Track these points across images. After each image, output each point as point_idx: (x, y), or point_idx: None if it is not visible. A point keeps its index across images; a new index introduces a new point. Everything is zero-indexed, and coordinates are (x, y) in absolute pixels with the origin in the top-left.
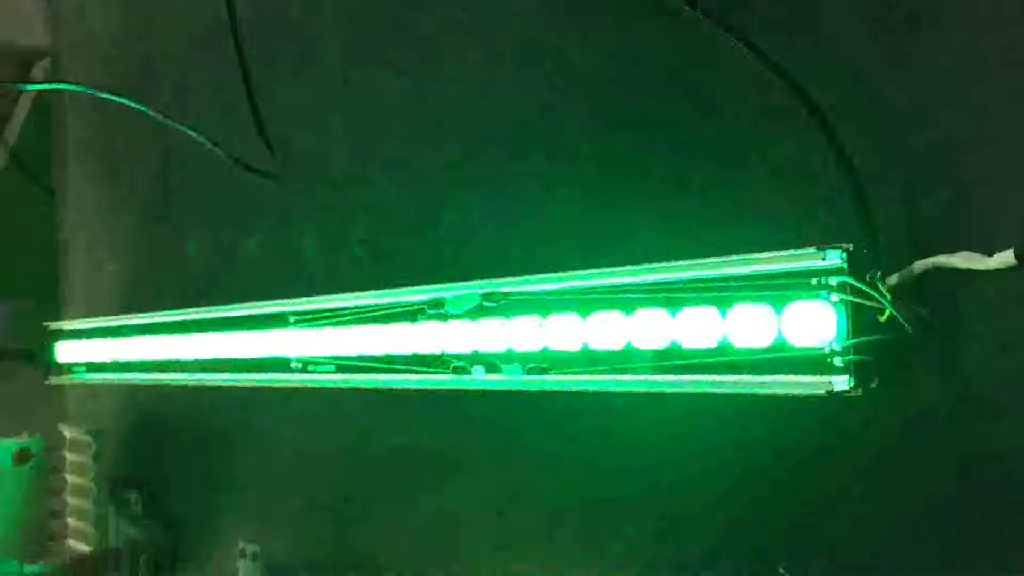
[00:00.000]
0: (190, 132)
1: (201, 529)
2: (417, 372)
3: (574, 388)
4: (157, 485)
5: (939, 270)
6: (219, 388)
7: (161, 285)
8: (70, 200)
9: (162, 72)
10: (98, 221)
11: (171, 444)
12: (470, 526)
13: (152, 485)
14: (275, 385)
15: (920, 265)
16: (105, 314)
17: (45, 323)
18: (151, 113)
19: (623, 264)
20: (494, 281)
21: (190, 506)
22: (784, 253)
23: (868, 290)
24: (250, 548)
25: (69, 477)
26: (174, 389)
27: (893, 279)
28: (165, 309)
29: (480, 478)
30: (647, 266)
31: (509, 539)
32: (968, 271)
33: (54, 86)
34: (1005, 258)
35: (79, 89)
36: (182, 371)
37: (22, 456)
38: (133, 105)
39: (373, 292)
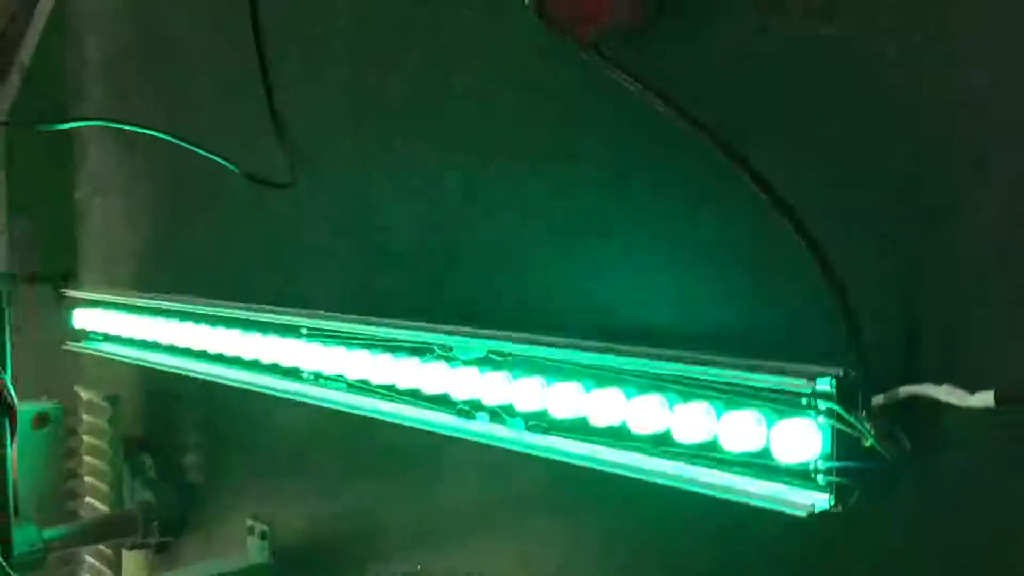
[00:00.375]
0: (200, 152)
1: (211, 498)
2: (422, 407)
3: (569, 459)
4: (171, 450)
5: (924, 398)
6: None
7: (174, 259)
8: (89, 158)
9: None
10: (115, 185)
11: (186, 412)
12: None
13: (166, 450)
14: (285, 395)
15: (905, 391)
16: (119, 273)
17: (61, 289)
18: (165, 137)
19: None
20: (500, 338)
21: (202, 474)
22: (778, 379)
23: (854, 422)
24: (259, 527)
25: (86, 438)
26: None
27: (879, 400)
28: (177, 287)
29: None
30: (654, 361)
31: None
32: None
33: (71, 124)
34: (984, 399)
35: (96, 124)
36: (195, 359)
37: (41, 419)
38: (154, 134)
39: (384, 323)
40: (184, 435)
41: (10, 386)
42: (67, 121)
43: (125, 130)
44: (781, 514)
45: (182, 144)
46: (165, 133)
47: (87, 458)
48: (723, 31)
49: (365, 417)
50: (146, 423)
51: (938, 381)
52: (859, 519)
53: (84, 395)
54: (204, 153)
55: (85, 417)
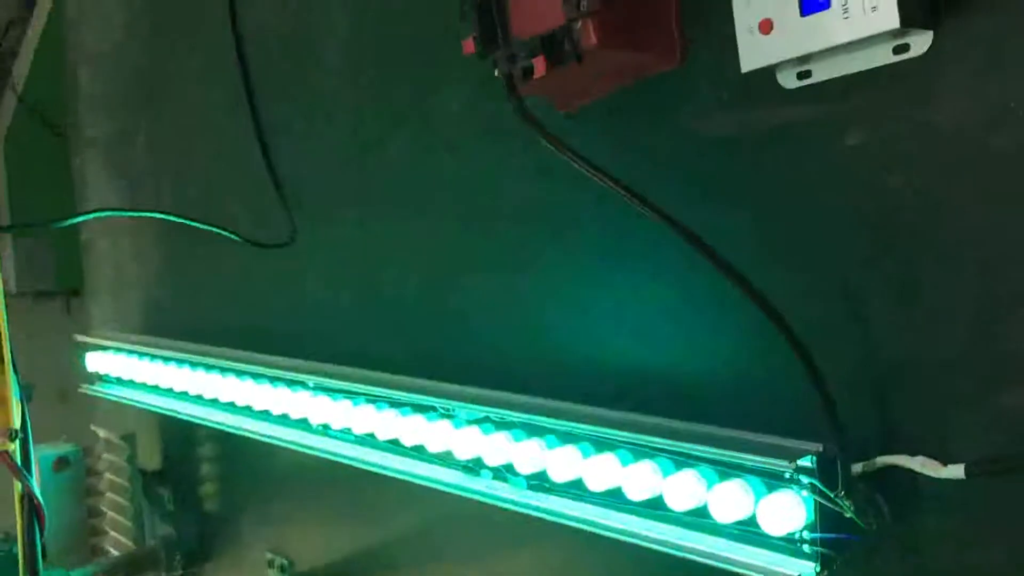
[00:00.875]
0: (201, 226)
1: (231, 528)
2: (428, 462)
3: (567, 521)
4: (189, 483)
5: (900, 468)
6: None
7: (180, 300)
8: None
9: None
10: (118, 226)
11: (202, 446)
12: None
13: (184, 483)
14: (294, 447)
15: (882, 460)
16: (127, 314)
17: (74, 336)
18: (164, 216)
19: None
20: (501, 403)
21: (220, 504)
22: (762, 458)
23: (834, 497)
24: (278, 560)
25: (106, 475)
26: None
27: (858, 468)
28: (186, 332)
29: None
30: (645, 436)
31: None
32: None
33: (77, 220)
34: (955, 471)
35: (105, 215)
36: (207, 406)
37: (61, 463)
38: (154, 216)
39: (388, 382)
40: (201, 467)
41: (36, 489)
42: (71, 216)
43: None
44: None
45: (184, 222)
46: (166, 213)
47: (108, 495)
48: None
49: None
50: (163, 457)
51: (914, 446)
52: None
53: (101, 434)
54: (205, 227)
55: (104, 456)
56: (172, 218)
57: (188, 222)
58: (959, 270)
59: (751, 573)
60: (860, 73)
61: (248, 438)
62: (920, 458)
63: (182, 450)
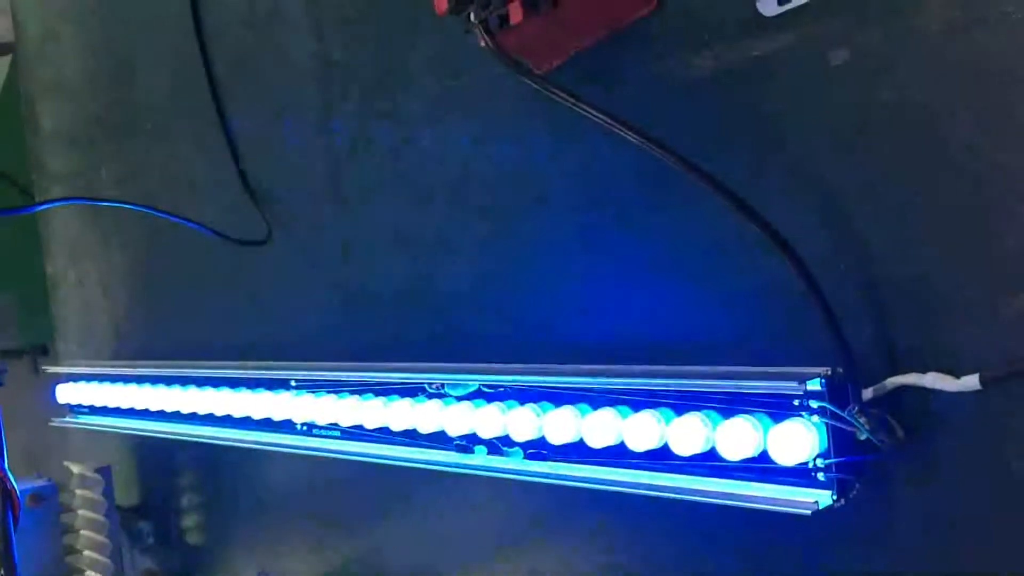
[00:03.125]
0: (173, 219)
1: (216, 558)
2: (420, 446)
3: (569, 481)
4: (169, 515)
5: (911, 388)
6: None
7: (150, 324)
8: (54, 235)
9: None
10: (86, 253)
11: (180, 475)
12: None
13: (164, 515)
14: (280, 448)
15: (892, 382)
16: (98, 347)
17: (43, 367)
18: (141, 208)
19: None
20: (493, 370)
21: (203, 534)
22: (769, 383)
23: (847, 417)
24: None
25: (81, 512)
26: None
27: (868, 393)
28: (157, 353)
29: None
30: (642, 379)
31: None
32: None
33: (42, 207)
34: (970, 382)
35: (72, 203)
36: (184, 422)
37: (35, 499)
38: (125, 206)
39: (372, 367)
40: (181, 498)
41: (9, 472)
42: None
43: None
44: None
45: (156, 213)
46: (137, 204)
47: (84, 532)
48: None
49: (366, 462)
50: (141, 490)
51: (923, 365)
52: (861, 509)
53: (75, 469)
54: (178, 220)
55: (78, 492)
56: (144, 208)
57: (160, 213)
58: (957, 177)
59: (766, 507)
60: None
61: (230, 462)
62: (932, 374)
63: (161, 481)
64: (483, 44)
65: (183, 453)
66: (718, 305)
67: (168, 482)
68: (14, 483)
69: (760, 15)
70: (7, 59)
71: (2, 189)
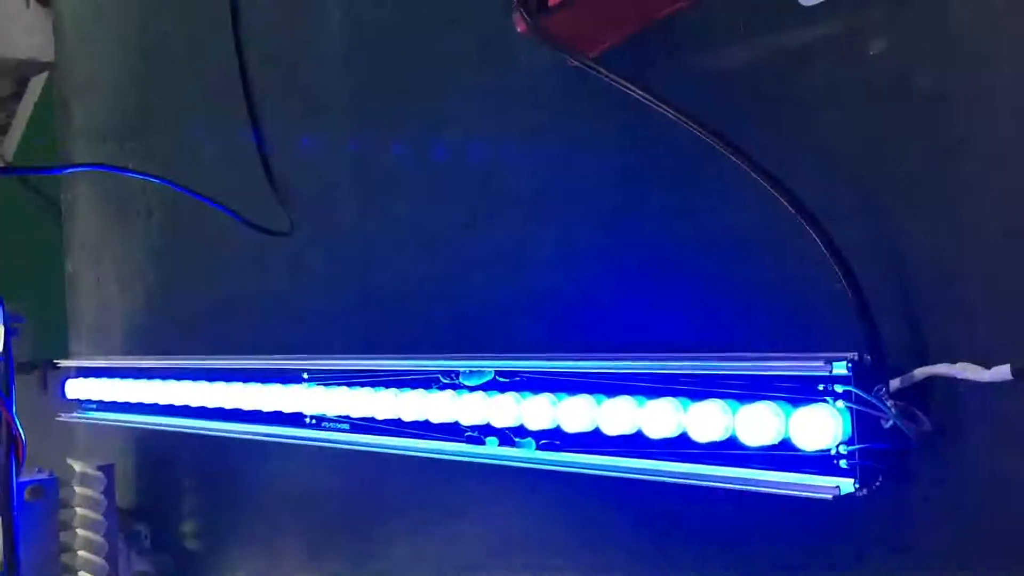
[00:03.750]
0: (195, 196)
1: (213, 564)
2: (431, 438)
3: (584, 469)
4: (167, 519)
5: (940, 378)
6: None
7: (167, 323)
8: (76, 233)
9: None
10: (106, 252)
11: (183, 478)
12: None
13: (163, 518)
14: (287, 440)
15: (921, 372)
16: (112, 350)
17: (55, 360)
18: (165, 182)
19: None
20: (509, 358)
21: (201, 540)
22: (792, 363)
23: (873, 401)
24: None
25: (79, 511)
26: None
27: (896, 383)
28: (173, 352)
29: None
30: (661, 363)
31: None
32: (968, 381)
33: (71, 169)
34: (1001, 373)
35: (100, 169)
36: (193, 416)
37: (35, 491)
38: (147, 178)
39: (388, 357)
40: (181, 501)
41: (16, 419)
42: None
43: (117, 197)
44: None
45: (179, 189)
46: (164, 179)
47: (80, 531)
48: None
49: (371, 468)
50: (141, 492)
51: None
52: (884, 502)
53: (77, 467)
54: (206, 201)
55: (78, 489)
56: (168, 183)
57: (185, 190)
58: (994, 168)
59: (785, 491)
60: None
61: (233, 467)
62: (961, 364)
63: (162, 484)
64: (521, 27)
65: (186, 456)
66: (745, 300)
67: (169, 485)
68: (20, 429)
69: (799, 5)
70: (42, 77)
71: (30, 198)
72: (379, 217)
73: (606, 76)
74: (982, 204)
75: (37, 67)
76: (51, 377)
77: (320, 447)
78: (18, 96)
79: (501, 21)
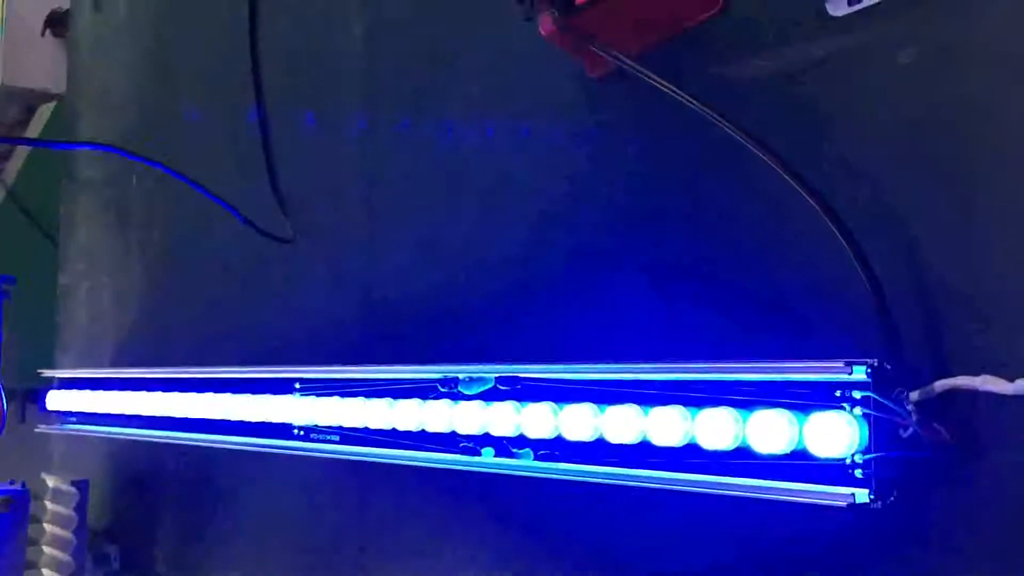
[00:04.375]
0: (205, 193)
1: None
2: (424, 449)
3: (586, 477)
4: (140, 541)
5: (961, 391)
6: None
7: (163, 339)
8: (74, 244)
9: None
10: (102, 267)
11: (158, 499)
12: None
13: (134, 540)
14: (275, 451)
15: (941, 385)
16: (100, 364)
17: (39, 370)
18: (170, 171)
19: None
20: (510, 366)
21: (171, 565)
22: (810, 364)
23: (893, 407)
24: None
25: (48, 527)
26: (163, 445)
27: (915, 395)
28: (164, 365)
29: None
30: (668, 365)
31: None
32: (990, 394)
33: (75, 146)
34: None
35: (104, 149)
36: (177, 428)
37: (4, 503)
38: (156, 166)
39: (384, 367)
40: (156, 523)
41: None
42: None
43: (120, 204)
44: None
45: (184, 180)
46: (169, 168)
47: (47, 549)
48: None
49: (359, 485)
50: (114, 512)
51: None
52: (901, 516)
53: (50, 482)
54: (210, 196)
55: (49, 505)
56: (175, 174)
57: (191, 183)
58: (1018, 178)
59: (797, 499)
60: None
61: (211, 492)
62: (983, 376)
63: (139, 503)
64: (547, 27)
65: (165, 475)
66: (760, 309)
67: (145, 505)
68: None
69: (827, 15)
70: (49, 105)
71: (30, 231)
72: (385, 227)
73: (645, 75)
74: (1007, 215)
75: (46, 97)
76: (30, 411)
77: (308, 464)
78: (25, 123)
79: (519, 32)
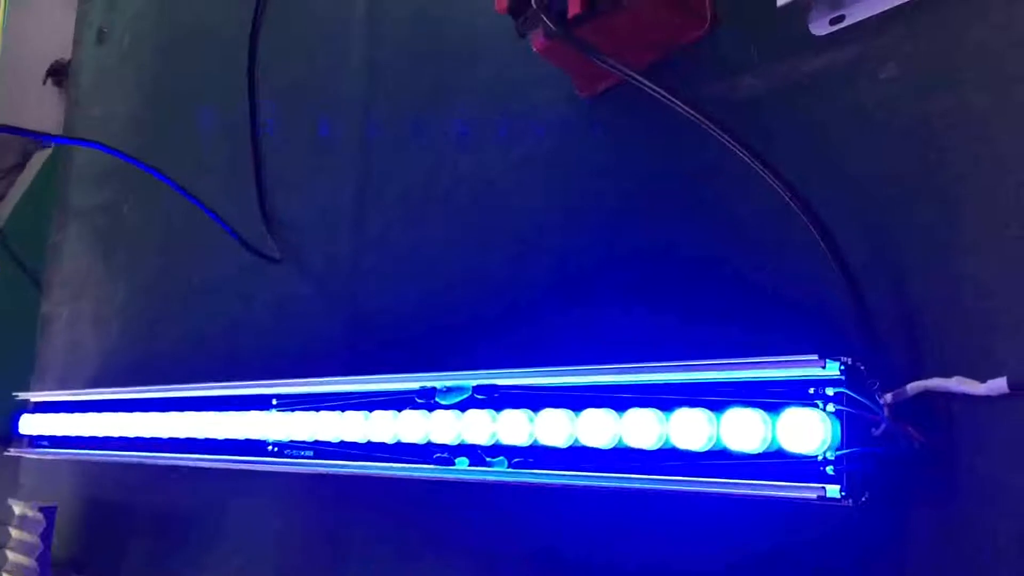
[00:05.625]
0: (201, 206)
1: None
2: (397, 461)
3: (559, 480)
4: (105, 570)
5: (934, 392)
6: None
7: (141, 365)
8: (59, 273)
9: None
10: (86, 295)
11: (127, 528)
12: None
13: (100, 570)
14: (249, 468)
15: (914, 387)
16: (78, 384)
17: (14, 393)
18: (165, 179)
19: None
20: (485, 372)
21: None
22: (784, 359)
23: (867, 402)
24: None
25: (11, 555)
26: (135, 469)
27: (888, 398)
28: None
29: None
30: (642, 365)
31: None
32: (963, 395)
33: (67, 141)
34: (997, 386)
35: (101, 148)
36: (151, 450)
37: None
38: (153, 173)
39: (362, 377)
40: (122, 556)
41: None
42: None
43: (106, 236)
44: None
45: (175, 187)
46: (159, 172)
47: None
48: None
49: (334, 506)
50: (82, 541)
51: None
52: (872, 520)
53: (17, 508)
54: (207, 211)
55: (14, 532)
56: (163, 179)
57: (181, 190)
58: (999, 185)
59: (771, 492)
60: (891, 9)
61: (181, 521)
62: (956, 378)
63: (107, 532)
64: (539, 44)
65: (136, 503)
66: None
67: (113, 534)
68: None
69: (811, 35)
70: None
71: (17, 279)
72: (373, 246)
73: (647, 86)
74: (984, 219)
75: (43, 144)
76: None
77: (282, 484)
78: (20, 167)
79: (510, 58)
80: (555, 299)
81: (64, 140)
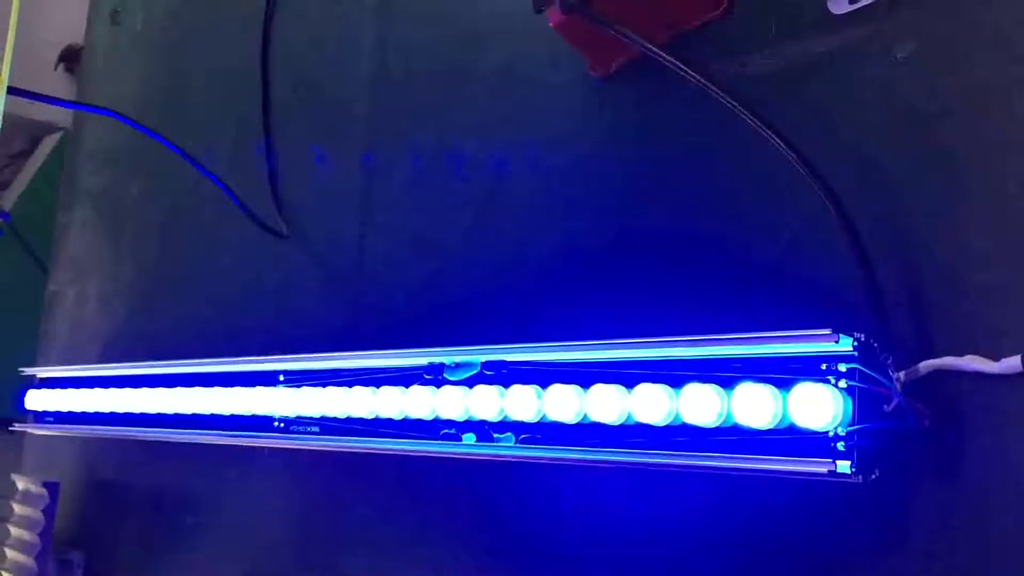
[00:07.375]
0: (211, 177)
1: None
2: (406, 437)
3: (567, 455)
4: (105, 547)
5: (946, 371)
6: (182, 447)
7: (147, 340)
8: (66, 252)
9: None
10: (93, 273)
11: (129, 505)
12: None
13: (100, 547)
14: (255, 444)
15: (926, 365)
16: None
17: (20, 369)
18: (177, 151)
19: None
20: (495, 347)
21: (137, 573)
22: (795, 333)
23: (879, 377)
24: None
25: (13, 530)
26: (138, 447)
27: (901, 376)
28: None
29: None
30: (651, 340)
31: None
32: (976, 374)
33: (77, 107)
34: (1011, 364)
35: (114, 117)
36: (156, 426)
37: None
38: (164, 143)
39: (370, 352)
40: (125, 530)
41: None
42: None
43: (113, 217)
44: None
45: (194, 164)
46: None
47: (10, 552)
48: None
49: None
50: (84, 518)
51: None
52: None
53: (20, 483)
54: (206, 173)
55: (16, 507)
56: (174, 149)
57: (192, 160)
58: (1011, 162)
59: (779, 466)
60: None
61: (182, 497)
62: (968, 357)
63: (109, 509)
64: (555, 18)
65: (137, 487)
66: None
67: (116, 511)
68: None
69: (829, 13)
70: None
71: (25, 264)
72: (381, 228)
73: (664, 58)
74: (996, 198)
75: (51, 128)
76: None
77: (286, 462)
78: (28, 153)
79: (523, 41)
80: (563, 279)
81: (80, 106)
